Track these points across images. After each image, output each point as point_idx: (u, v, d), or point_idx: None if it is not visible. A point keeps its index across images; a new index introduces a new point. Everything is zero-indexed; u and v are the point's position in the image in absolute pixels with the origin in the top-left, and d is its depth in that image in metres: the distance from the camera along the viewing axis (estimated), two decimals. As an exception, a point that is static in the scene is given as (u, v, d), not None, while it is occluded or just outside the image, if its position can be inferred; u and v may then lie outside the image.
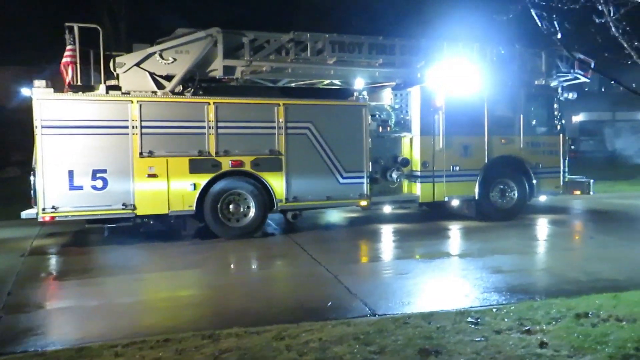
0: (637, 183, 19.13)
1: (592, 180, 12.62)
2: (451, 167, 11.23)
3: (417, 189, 11.09)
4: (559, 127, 12.19)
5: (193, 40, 10.02)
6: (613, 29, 5.73)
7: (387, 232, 10.51)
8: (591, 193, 12.65)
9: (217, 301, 6.10)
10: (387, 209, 11.22)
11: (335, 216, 12.32)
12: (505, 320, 4.86)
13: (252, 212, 9.85)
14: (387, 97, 11.38)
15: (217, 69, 10.21)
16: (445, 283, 6.62)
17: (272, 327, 4.72)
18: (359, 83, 10.98)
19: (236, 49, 10.39)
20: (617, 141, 32.27)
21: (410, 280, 6.76)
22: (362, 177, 10.56)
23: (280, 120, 9.98)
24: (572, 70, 12.95)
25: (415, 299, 5.97)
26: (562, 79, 13.14)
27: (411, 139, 11.25)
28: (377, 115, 11.18)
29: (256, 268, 8.15)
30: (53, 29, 11.66)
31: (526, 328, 4.62)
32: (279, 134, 9.98)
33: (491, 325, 4.72)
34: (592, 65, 13.22)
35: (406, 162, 11.09)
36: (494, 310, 5.20)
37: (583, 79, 13.32)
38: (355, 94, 10.67)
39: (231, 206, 9.78)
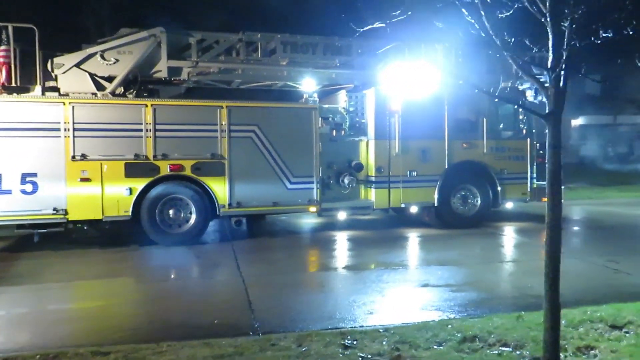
0: (628, 190, 18.46)
1: (562, 187, 12.05)
2: (408, 172, 10.78)
3: (372, 195, 10.67)
4: (526, 131, 11.65)
5: (135, 40, 9.73)
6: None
7: (335, 240, 10.09)
8: (562, 200, 12.05)
9: (99, 315, 5.73)
10: (342, 216, 10.79)
11: (294, 222, 11.93)
12: (383, 343, 4.44)
13: (193, 218, 9.52)
14: (342, 100, 10.98)
15: (161, 70, 9.92)
16: (359, 298, 6.18)
17: (123, 348, 4.35)
18: (313, 85, 10.59)
19: (183, 50, 10.09)
20: (617, 146, 31.48)
21: (323, 294, 6.37)
22: (312, 183, 10.16)
23: (223, 123, 9.63)
24: (545, 72, 12.41)
25: (311, 316, 5.55)
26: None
27: (367, 143, 10.84)
28: (331, 119, 10.79)
29: (172, 278, 7.64)
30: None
31: (397, 354, 4.19)
32: (221, 137, 9.63)
33: (362, 349, 4.31)
34: (567, 67, 12.73)
35: (360, 167, 10.67)
36: (381, 331, 4.77)
37: (558, 82, 12.76)
38: (305, 96, 10.30)
39: (171, 212, 9.45)
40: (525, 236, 10.44)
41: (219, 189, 9.62)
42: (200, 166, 9.51)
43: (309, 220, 11.94)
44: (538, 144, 11.88)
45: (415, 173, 10.82)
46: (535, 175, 11.83)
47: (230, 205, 9.68)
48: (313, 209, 10.16)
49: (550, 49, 4.03)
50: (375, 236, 10.38)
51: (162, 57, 9.85)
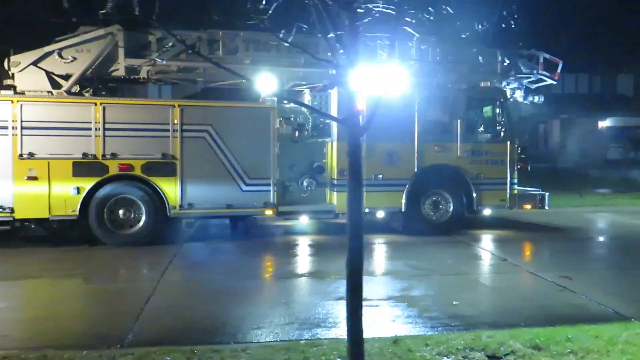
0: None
1: (547, 194, 11.33)
2: (373, 175, 10.28)
3: (334, 199, 10.25)
4: (505, 133, 10.95)
5: (93, 38, 9.64)
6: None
7: (292, 245, 9.73)
8: (546, 208, 11.34)
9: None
10: (304, 220, 10.42)
11: (264, 225, 11.56)
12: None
13: (142, 219, 9.36)
14: (307, 100, 10.60)
15: (119, 68, 9.81)
16: (260, 311, 5.82)
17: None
18: (278, 85, 10.23)
19: (143, 48, 9.95)
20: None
21: (230, 305, 6.02)
22: (269, 185, 9.84)
23: (176, 123, 9.42)
24: (535, 72, 11.74)
25: (199, 326, 5.25)
26: (525, 80, 11.96)
27: (331, 145, 10.43)
28: (293, 119, 10.42)
29: (87, 281, 7.33)
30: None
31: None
32: (173, 136, 9.42)
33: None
34: (560, 66, 11.98)
35: (321, 170, 10.28)
36: (239, 350, 4.42)
37: (549, 81, 12.04)
38: (263, 95, 9.97)
39: (120, 212, 9.32)
40: (493, 246, 9.80)
41: (170, 189, 9.42)
42: (150, 166, 9.33)
43: (293, 224, 11.40)
44: (519, 148, 11.19)
45: (381, 176, 10.33)
46: (515, 180, 11.14)
47: (181, 206, 9.47)
48: (269, 212, 9.83)
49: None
50: (336, 242, 9.95)
51: (120, 56, 9.75)
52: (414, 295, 6.40)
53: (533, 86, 12.34)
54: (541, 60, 11.75)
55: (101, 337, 4.92)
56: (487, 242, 10.07)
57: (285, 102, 10.27)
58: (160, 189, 9.38)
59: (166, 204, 9.40)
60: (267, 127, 9.83)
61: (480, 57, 11.34)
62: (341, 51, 4.33)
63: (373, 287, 6.76)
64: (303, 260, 8.61)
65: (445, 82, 10.75)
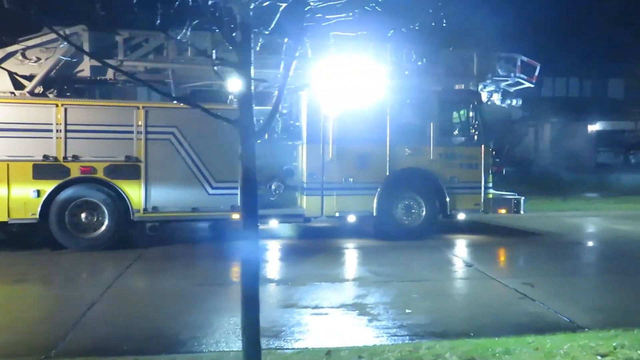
0: (626, 201, 17.15)
1: (522, 198, 11.16)
2: (344, 179, 10.13)
3: (304, 202, 10.07)
4: (479, 136, 10.78)
5: (57, 39, 9.44)
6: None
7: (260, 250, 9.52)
8: (522, 212, 11.17)
9: None
10: (274, 224, 10.24)
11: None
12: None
13: (105, 223, 9.17)
14: (275, 101, 10.40)
15: (84, 69, 9.65)
16: (188, 320, 5.63)
17: None
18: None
19: (110, 48, 9.78)
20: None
21: (173, 312, 5.84)
22: (236, 188, 9.61)
23: (140, 125, 9.25)
24: (512, 74, 11.59)
25: (134, 335, 5.07)
26: (503, 83, 11.81)
27: (301, 148, 10.25)
28: (262, 121, 10.21)
29: (35, 285, 7.14)
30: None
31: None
32: (137, 139, 9.24)
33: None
34: (538, 69, 11.85)
35: (290, 173, 10.11)
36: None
37: (527, 84, 11.90)
38: (230, 96, 9.79)
39: (83, 215, 9.13)
40: (463, 252, 9.59)
41: (134, 193, 9.24)
42: (113, 169, 9.15)
43: (269, 228, 11.11)
44: (494, 151, 11.03)
45: (352, 180, 10.17)
46: (490, 184, 10.98)
47: (145, 210, 9.29)
48: (236, 216, 9.64)
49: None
50: (304, 247, 9.81)
51: (85, 56, 9.57)
52: (368, 303, 6.21)
53: (512, 89, 12.21)
54: (518, 63, 11.61)
55: (27, 347, 4.73)
56: (458, 247, 9.88)
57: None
58: (123, 191, 9.19)
59: (130, 207, 9.21)
60: (233, 128, 9.63)
61: (456, 60, 11.23)
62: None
63: (327, 294, 6.60)
64: (264, 266, 8.41)
65: (419, 85, 10.59)
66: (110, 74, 9.82)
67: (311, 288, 6.89)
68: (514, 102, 12.18)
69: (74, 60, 9.44)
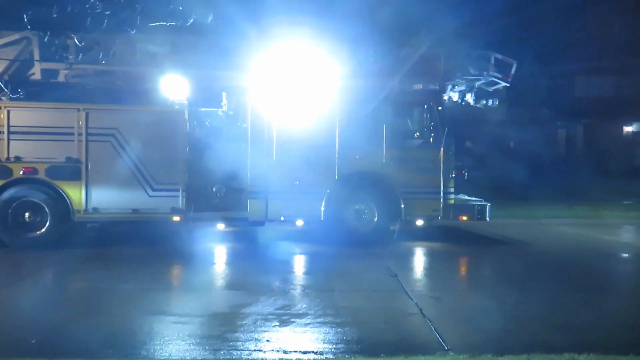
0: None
1: (487, 204, 10.51)
2: (290, 182, 9.87)
3: (248, 205, 9.88)
4: (437, 139, 10.22)
5: (8, 43, 9.77)
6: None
7: (195, 252, 9.32)
8: (487, 219, 10.52)
9: None
10: (220, 227, 10.12)
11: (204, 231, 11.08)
12: None
13: (47, 223, 9.35)
14: (224, 102, 10.29)
15: (35, 72, 9.90)
16: (85, 322, 5.59)
17: None
18: (193, 87, 9.98)
19: (61, 52, 10.00)
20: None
21: (63, 314, 5.84)
22: (177, 190, 9.61)
23: (81, 126, 9.38)
24: (485, 73, 10.96)
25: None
26: (477, 83, 11.19)
27: (247, 150, 10.06)
28: (208, 123, 10.17)
29: None
30: None
31: None
32: (78, 140, 9.37)
33: None
34: (514, 67, 11.16)
35: (234, 175, 9.94)
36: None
37: (502, 83, 11.23)
38: (173, 98, 9.75)
39: (26, 215, 9.34)
40: (400, 260, 8.80)
41: (74, 193, 9.37)
42: (55, 170, 9.31)
43: (229, 230, 10.97)
44: (454, 155, 10.43)
45: (298, 183, 9.89)
46: (451, 189, 10.40)
47: (86, 210, 9.40)
48: (176, 217, 9.60)
49: None
50: (241, 251, 9.66)
51: (35, 60, 9.82)
52: (239, 313, 5.96)
53: (491, 89, 11.55)
54: (492, 61, 10.96)
55: None
56: (400, 255, 9.33)
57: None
58: (64, 192, 9.34)
59: (70, 207, 9.36)
60: (177, 131, 9.63)
61: (420, 58, 10.72)
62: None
63: (205, 301, 6.41)
64: (190, 269, 8.30)
65: (372, 85, 10.17)
66: (61, 76, 10.04)
67: (198, 295, 6.72)
68: (490, 102, 11.51)
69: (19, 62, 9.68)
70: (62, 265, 8.37)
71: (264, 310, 6.11)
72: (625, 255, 10.03)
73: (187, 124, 9.70)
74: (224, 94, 10.17)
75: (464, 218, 10.41)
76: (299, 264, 8.61)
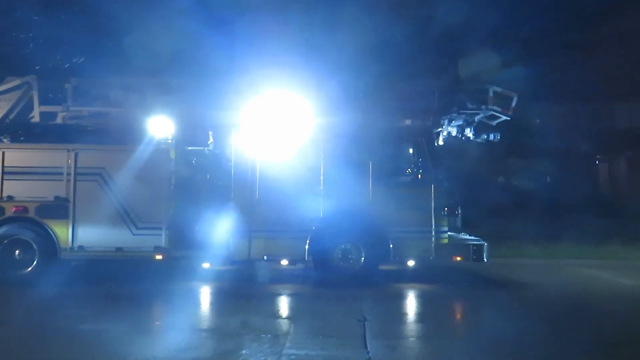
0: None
1: (485, 244, 9.94)
2: (273, 221, 9.71)
3: (230, 244, 9.75)
4: (428, 175, 9.82)
5: (11, 88, 10.29)
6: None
7: (181, 291, 9.19)
8: (484, 260, 9.93)
9: None
10: (206, 265, 10.01)
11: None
12: None
13: (35, 260, 9.57)
14: (209, 141, 10.34)
15: (34, 115, 10.34)
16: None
17: None
18: (179, 127, 10.12)
19: (59, 95, 10.43)
20: None
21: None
22: (160, 229, 9.65)
23: (70, 166, 9.66)
24: (483, 107, 10.58)
25: None
26: (477, 117, 10.83)
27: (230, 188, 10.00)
28: (194, 161, 10.23)
29: None
30: None
31: None
32: (67, 179, 9.64)
33: None
34: (515, 100, 10.73)
35: (217, 214, 9.85)
36: None
37: (503, 117, 10.80)
38: (158, 138, 9.89)
39: (16, 252, 9.60)
40: (379, 304, 8.35)
41: (61, 231, 9.58)
42: (44, 208, 9.58)
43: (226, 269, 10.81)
44: (445, 192, 9.98)
45: (281, 222, 9.71)
46: (444, 228, 9.92)
47: (71, 249, 9.58)
48: (159, 256, 9.61)
49: None
50: (222, 291, 9.47)
51: (35, 103, 10.28)
52: (176, 357, 5.76)
53: (494, 122, 11.13)
54: (490, 94, 10.58)
55: None
56: (384, 298, 8.86)
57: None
58: (52, 230, 9.56)
59: (57, 246, 9.55)
60: (162, 169, 9.74)
61: (414, 93, 10.50)
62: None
63: (149, 343, 6.24)
64: (152, 309, 8.17)
65: (358, 122, 9.98)
66: (59, 119, 10.44)
67: (145, 337, 6.58)
68: (491, 136, 11.07)
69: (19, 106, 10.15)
70: (31, 303, 8.39)
71: (205, 355, 5.89)
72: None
73: (172, 163, 9.80)
74: (210, 132, 10.26)
75: (458, 259, 9.86)
76: (270, 305, 8.33)
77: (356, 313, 7.79)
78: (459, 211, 10.20)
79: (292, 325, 7.25)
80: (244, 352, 6.08)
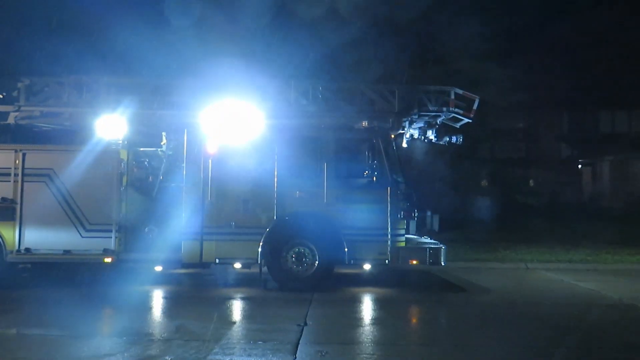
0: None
1: (442, 247, 9.76)
2: (225, 223, 9.50)
3: (181, 247, 9.54)
4: (384, 178, 9.63)
5: (-37, 86, 10.09)
6: None
7: (127, 296, 8.98)
8: (442, 264, 9.76)
9: None
10: (158, 268, 9.79)
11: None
12: None
13: (-18, 263, 9.36)
14: (163, 142, 10.15)
15: (-14, 115, 10.15)
16: None
17: None
18: (130, 127, 9.93)
19: (11, 95, 10.23)
20: None
21: None
22: (109, 232, 9.44)
23: (17, 166, 9.44)
24: (445, 109, 10.44)
25: None
26: (439, 119, 10.69)
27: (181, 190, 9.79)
28: (146, 162, 10.04)
29: None
30: None
31: None
32: (14, 180, 9.42)
33: None
34: (476, 103, 10.60)
35: (168, 216, 9.66)
36: None
37: (465, 119, 10.69)
38: (108, 138, 9.69)
39: (-38, 256, 9.39)
40: (325, 308, 8.25)
41: (8, 234, 9.35)
42: (-9, 210, 9.38)
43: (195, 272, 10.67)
44: (402, 195, 9.79)
45: (234, 224, 9.50)
46: (401, 231, 9.74)
47: (18, 251, 9.36)
48: (108, 259, 9.39)
49: None
50: (162, 294, 9.29)
51: (-14, 103, 10.09)
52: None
53: (458, 125, 11.01)
54: (452, 96, 10.45)
55: None
56: (333, 302, 8.65)
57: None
58: (-1, 233, 9.36)
59: (3, 248, 9.33)
60: (110, 171, 9.53)
61: (374, 95, 10.35)
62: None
63: (75, 347, 6.03)
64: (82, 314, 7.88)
65: (313, 124, 9.82)
66: (11, 118, 10.23)
67: (77, 341, 6.37)
68: (454, 139, 10.92)
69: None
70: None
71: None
72: (589, 308, 8.92)
73: (122, 164, 9.61)
74: (163, 133, 10.06)
75: (414, 262, 9.67)
76: (213, 309, 8.05)
77: (300, 317, 7.60)
78: (416, 214, 10.01)
79: (229, 330, 7.06)
80: (167, 357, 5.89)
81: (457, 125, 11.03)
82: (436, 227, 20.03)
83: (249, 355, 6.01)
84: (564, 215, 22.15)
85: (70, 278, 10.07)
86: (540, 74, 25.16)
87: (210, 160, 9.60)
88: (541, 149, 27.52)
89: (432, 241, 10.17)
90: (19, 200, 9.40)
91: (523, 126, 28.51)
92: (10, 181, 9.42)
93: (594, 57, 24.97)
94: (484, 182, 26.98)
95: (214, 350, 6.12)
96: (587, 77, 25.53)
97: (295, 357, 5.89)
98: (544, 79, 25.16)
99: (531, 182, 27.16)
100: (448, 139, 10.93)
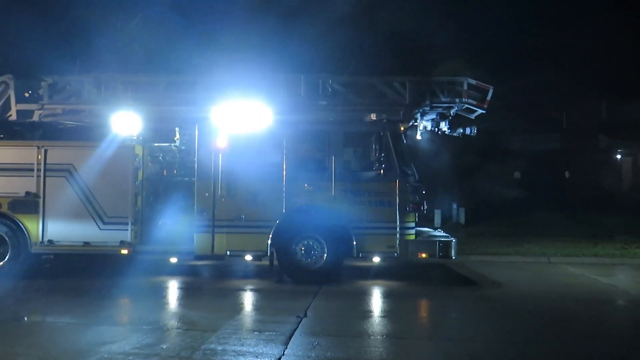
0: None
1: (453, 240, 9.67)
2: (236, 216, 9.70)
3: (194, 240, 9.80)
4: (393, 171, 9.59)
5: (-13, 88, 10.64)
6: None
7: (139, 286, 9.29)
8: (452, 257, 9.67)
9: None
10: (173, 260, 10.09)
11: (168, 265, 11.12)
12: None
13: (7, 254, 9.87)
14: (176, 137, 10.41)
15: (11, 114, 10.65)
16: None
17: None
18: (146, 123, 10.23)
19: (35, 93, 10.71)
20: None
21: None
22: (126, 224, 9.79)
23: (39, 162, 9.90)
24: (458, 100, 10.31)
25: None
26: (451, 110, 10.56)
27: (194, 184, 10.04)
28: (160, 157, 10.33)
29: None
30: None
31: None
32: (37, 175, 9.88)
33: None
34: (490, 93, 10.42)
35: (181, 209, 9.94)
36: None
37: (478, 110, 10.51)
38: (124, 135, 10.02)
39: (-12, 247, 9.95)
40: (328, 302, 8.28)
41: (32, 226, 9.84)
42: (15, 204, 9.85)
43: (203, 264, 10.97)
44: (411, 188, 9.72)
45: (244, 217, 9.69)
46: (411, 224, 9.69)
47: (42, 243, 9.83)
48: (124, 251, 9.75)
49: None
50: (170, 285, 9.55)
51: (12, 102, 10.59)
52: (96, 351, 5.82)
53: (472, 116, 10.84)
54: (464, 87, 10.29)
55: None
56: (340, 295, 8.68)
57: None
58: (23, 225, 9.83)
59: (28, 240, 9.83)
60: (127, 166, 9.87)
61: (385, 87, 10.31)
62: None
63: (74, 335, 6.33)
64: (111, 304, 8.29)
65: (321, 117, 9.86)
66: (36, 116, 10.72)
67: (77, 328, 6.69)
68: (468, 130, 10.75)
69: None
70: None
71: (121, 349, 5.94)
72: (607, 303, 8.69)
73: (137, 159, 9.94)
74: (176, 129, 10.33)
75: (424, 255, 9.62)
76: (220, 300, 8.30)
77: (301, 309, 7.71)
78: (425, 207, 9.94)
79: (229, 320, 7.23)
80: (163, 346, 6.10)
81: (472, 116, 10.84)
82: (462, 220, 19.76)
83: (242, 345, 6.16)
84: (600, 207, 21.44)
85: (89, 269, 10.50)
86: (579, 62, 24.34)
87: (220, 155, 9.80)
88: (578, 140, 26.60)
89: (443, 234, 10.09)
90: (41, 194, 9.87)
91: (558, 117, 27.65)
92: (33, 176, 9.89)
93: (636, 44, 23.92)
94: (517, 174, 26.35)
95: (210, 340, 6.30)
96: (628, 65, 24.51)
97: (287, 347, 6.01)
98: (582, 68, 24.32)
99: (567, 174, 26.33)
100: (462, 130, 10.78)
